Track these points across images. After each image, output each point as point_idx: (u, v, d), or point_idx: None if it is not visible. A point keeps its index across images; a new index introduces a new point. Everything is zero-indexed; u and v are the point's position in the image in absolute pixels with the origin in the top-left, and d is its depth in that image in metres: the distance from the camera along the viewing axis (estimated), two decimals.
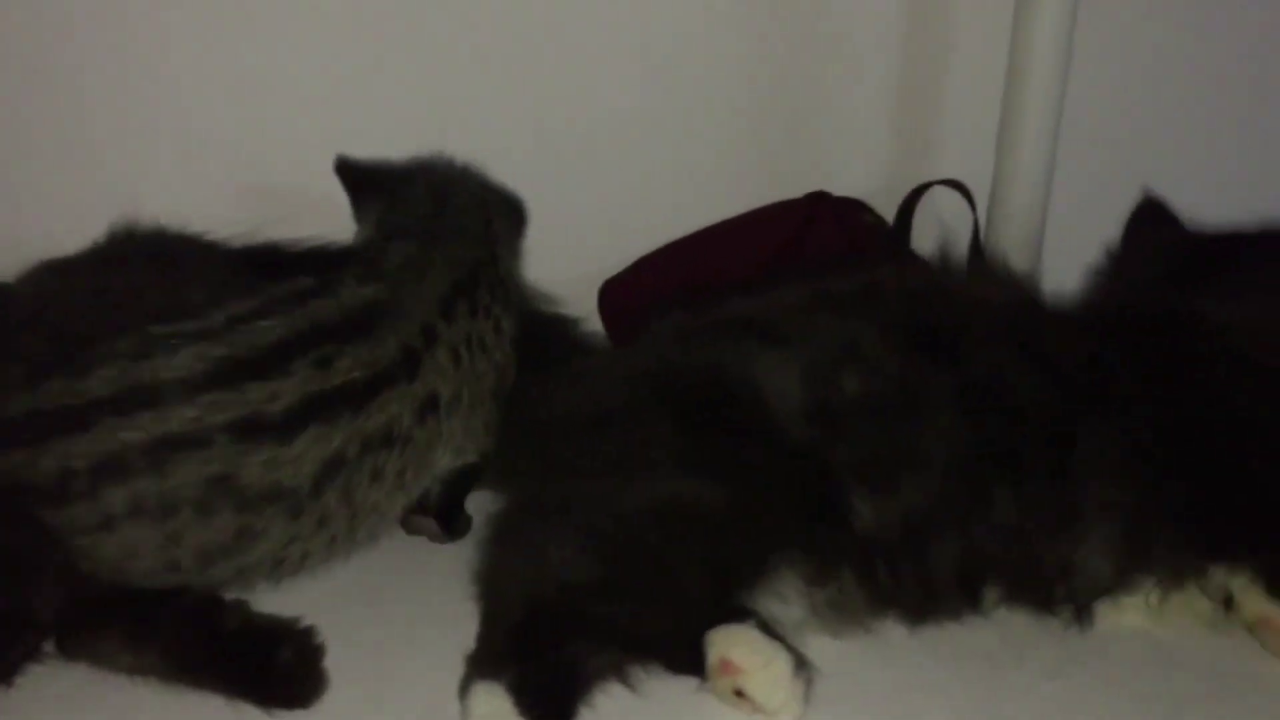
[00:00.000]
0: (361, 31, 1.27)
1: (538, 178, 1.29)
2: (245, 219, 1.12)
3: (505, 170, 1.27)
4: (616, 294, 1.25)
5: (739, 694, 0.80)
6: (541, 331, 1.20)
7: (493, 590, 0.86)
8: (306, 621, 0.84)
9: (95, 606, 0.82)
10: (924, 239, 1.28)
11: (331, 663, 0.83)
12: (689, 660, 0.81)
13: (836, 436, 0.89)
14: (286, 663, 0.80)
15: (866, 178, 1.35)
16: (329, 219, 1.11)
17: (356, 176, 1.07)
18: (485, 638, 0.82)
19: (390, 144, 1.11)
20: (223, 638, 0.81)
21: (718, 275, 1.24)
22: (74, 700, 0.81)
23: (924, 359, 0.92)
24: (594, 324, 1.25)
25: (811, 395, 0.90)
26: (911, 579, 0.88)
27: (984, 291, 1.01)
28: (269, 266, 1.17)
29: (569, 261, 1.26)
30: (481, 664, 0.79)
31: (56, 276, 1.01)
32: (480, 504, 1.00)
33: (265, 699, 0.80)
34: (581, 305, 1.24)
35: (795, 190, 1.30)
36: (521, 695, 0.76)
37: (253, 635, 0.82)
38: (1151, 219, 1.17)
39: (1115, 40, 1.34)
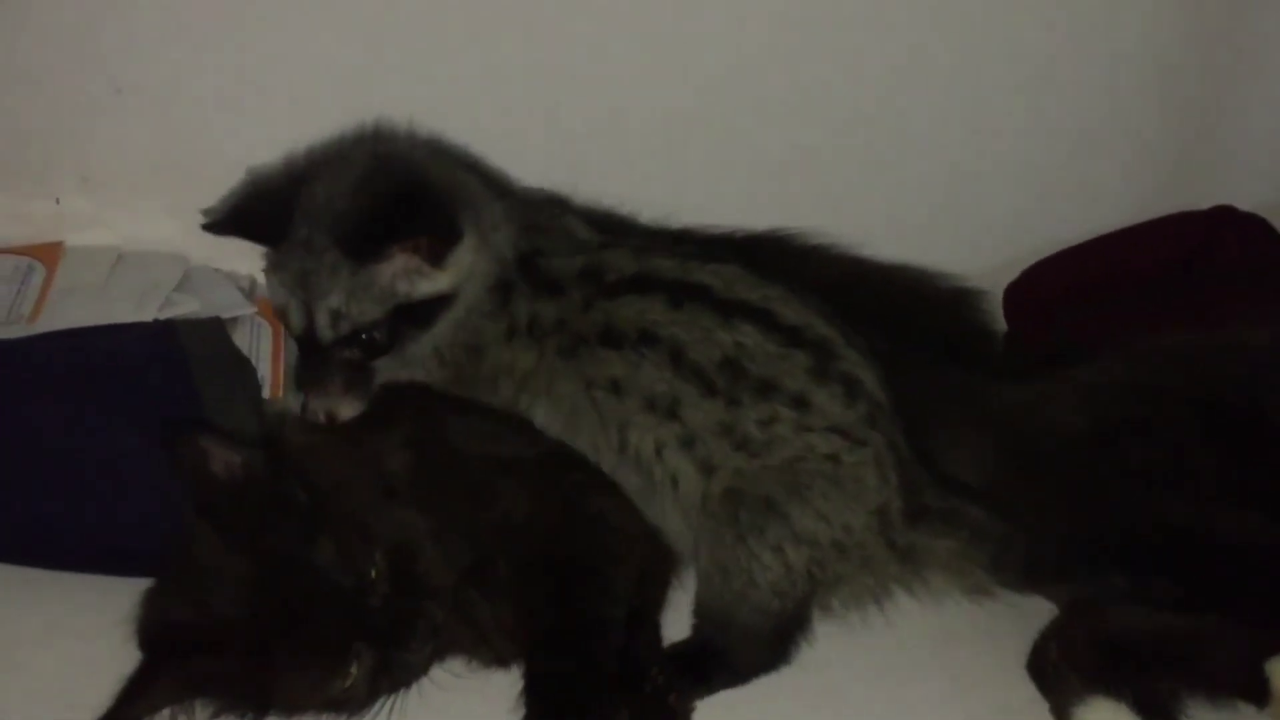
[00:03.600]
0: None
1: (941, 178, 1.37)
2: None
3: (915, 172, 1.37)
4: (1022, 296, 1.29)
5: None
6: (941, 307, 1.26)
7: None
8: None
9: None
10: None
11: None
12: (1241, 684, 0.86)
13: None
14: (655, 687, 0.91)
15: (1275, 194, 1.35)
16: None
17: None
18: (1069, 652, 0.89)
19: None
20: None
21: (1116, 283, 1.29)
22: None
23: None
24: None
25: None
26: None
27: None
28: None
29: (968, 260, 1.34)
30: (1094, 680, 0.86)
31: None
32: None
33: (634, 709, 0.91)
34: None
35: (1198, 202, 1.33)
36: (1147, 715, 0.84)
37: (640, 653, 0.93)
38: None
39: None
